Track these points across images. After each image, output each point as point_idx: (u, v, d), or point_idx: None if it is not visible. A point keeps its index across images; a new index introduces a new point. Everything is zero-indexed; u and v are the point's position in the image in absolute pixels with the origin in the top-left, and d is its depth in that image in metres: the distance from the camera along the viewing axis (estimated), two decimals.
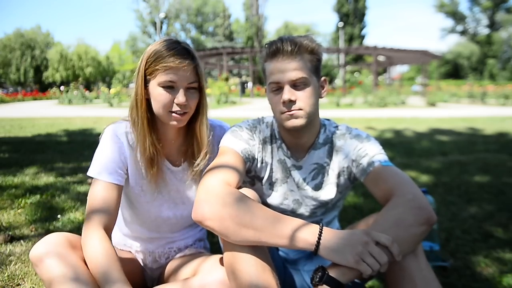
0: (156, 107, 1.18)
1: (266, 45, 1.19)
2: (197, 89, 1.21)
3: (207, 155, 1.27)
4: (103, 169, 1.17)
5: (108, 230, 1.13)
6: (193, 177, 1.29)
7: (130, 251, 1.38)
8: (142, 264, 1.38)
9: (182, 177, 1.31)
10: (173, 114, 1.17)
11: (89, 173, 1.17)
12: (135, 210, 1.32)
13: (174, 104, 1.16)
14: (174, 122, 1.18)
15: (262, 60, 1.22)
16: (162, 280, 1.35)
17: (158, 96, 1.16)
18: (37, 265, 1.02)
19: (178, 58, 1.14)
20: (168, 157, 1.30)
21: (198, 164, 1.27)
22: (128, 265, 1.30)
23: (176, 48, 1.15)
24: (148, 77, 1.17)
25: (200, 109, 1.25)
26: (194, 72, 1.17)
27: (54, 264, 1.00)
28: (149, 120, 1.20)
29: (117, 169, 1.19)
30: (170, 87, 1.15)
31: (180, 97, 1.15)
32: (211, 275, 1.09)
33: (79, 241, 1.09)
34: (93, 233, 1.08)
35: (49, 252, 1.02)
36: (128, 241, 1.38)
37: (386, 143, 5.21)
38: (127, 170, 1.23)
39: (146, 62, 1.16)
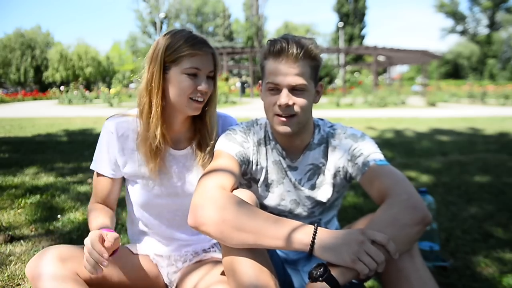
0: (176, 94, 1.18)
1: (269, 42, 1.16)
2: (212, 78, 1.23)
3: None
4: (97, 162, 1.28)
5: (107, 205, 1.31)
6: (203, 162, 1.29)
7: (147, 255, 1.35)
8: (159, 268, 1.35)
9: (184, 163, 1.30)
10: (193, 102, 1.19)
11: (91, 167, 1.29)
12: (142, 201, 1.31)
13: (195, 91, 1.18)
14: (193, 110, 1.21)
15: (262, 56, 1.19)
16: (177, 286, 1.31)
17: (181, 83, 1.17)
18: (33, 282, 1.06)
19: (203, 45, 1.17)
20: (171, 144, 1.29)
21: (207, 152, 1.28)
22: (145, 270, 1.30)
23: (197, 36, 1.19)
24: (168, 64, 1.17)
25: (212, 98, 1.26)
26: (213, 61, 1.21)
27: (48, 283, 1.03)
28: (162, 108, 1.21)
29: (108, 163, 1.26)
30: (193, 75, 1.17)
31: (204, 84, 1.18)
32: None
33: (70, 253, 1.10)
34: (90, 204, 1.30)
35: (43, 271, 1.04)
36: (143, 245, 1.36)
37: (386, 143, 5.21)
38: (117, 161, 1.26)
39: (166, 49, 1.16)
